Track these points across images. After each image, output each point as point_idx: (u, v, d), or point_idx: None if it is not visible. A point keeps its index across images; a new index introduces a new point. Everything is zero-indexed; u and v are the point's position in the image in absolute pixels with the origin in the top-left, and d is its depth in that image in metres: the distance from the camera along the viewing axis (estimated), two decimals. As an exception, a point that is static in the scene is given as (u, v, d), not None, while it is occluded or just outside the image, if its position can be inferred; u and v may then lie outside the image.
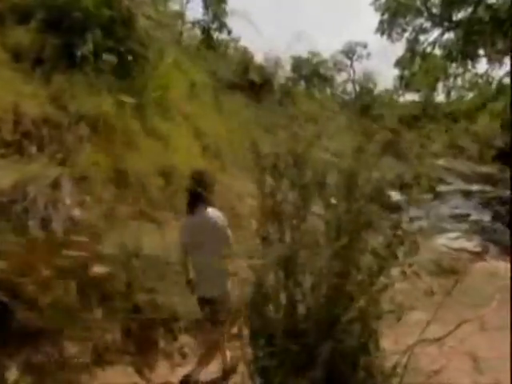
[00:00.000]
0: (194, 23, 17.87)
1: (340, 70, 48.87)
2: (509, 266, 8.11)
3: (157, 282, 3.14)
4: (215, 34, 18.33)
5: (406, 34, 20.82)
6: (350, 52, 46.36)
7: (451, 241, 10.22)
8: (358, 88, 48.06)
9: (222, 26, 18.14)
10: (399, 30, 21.34)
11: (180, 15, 16.46)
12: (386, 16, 21.06)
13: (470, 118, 24.94)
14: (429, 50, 21.60)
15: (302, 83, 47.99)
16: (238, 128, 7.17)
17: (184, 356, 3.25)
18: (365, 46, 45.50)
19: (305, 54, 45.96)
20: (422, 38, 21.04)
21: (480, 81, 22.12)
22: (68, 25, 5.21)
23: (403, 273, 2.07)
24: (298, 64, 46.12)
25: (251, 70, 22.99)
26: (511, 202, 9.95)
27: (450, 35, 21.41)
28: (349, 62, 47.04)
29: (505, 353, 3.42)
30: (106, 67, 5.07)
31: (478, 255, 9.02)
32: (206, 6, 17.61)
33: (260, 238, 2.19)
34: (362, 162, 2.22)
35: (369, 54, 46.30)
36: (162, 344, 3.20)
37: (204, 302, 2.96)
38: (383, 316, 2.08)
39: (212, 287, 2.88)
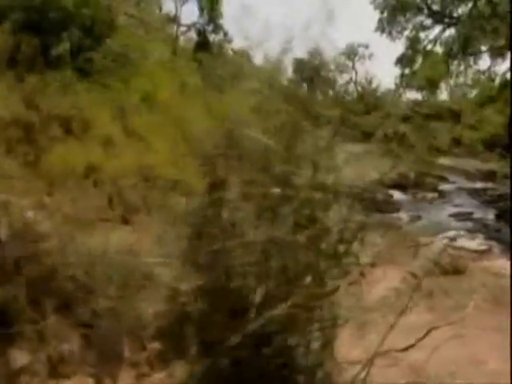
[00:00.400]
0: (189, 26, 17.82)
1: (342, 72, 48.87)
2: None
3: (122, 288, 2.97)
4: (211, 37, 18.29)
5: (406, 32, 20.54)
6: (351, 53, 46.26)
7: (453, 239, 9.94)
8: (360, 89, 47.92)
9: (217, 28, 18.05)
10: (399, 28, 21.08)
11: (174, 17, 16.44)
12: (385, 14, 20.88)
13: (473, 116, 24.58)
14: (430, 47, 21.29)
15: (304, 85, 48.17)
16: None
17: (152, 365, 3.05)
18: (366, 47, 45.39)
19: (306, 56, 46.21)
20: (422, 35, 20.72)
21: (482, 77, 21.76)
22: (45, 25, 5.09)
23: (362, 274, 1.84)
24: (299, 66, 46.19)
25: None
26: (511, 199, 9.64)
27: (450, 32, 21.17)
28: (351, 64, 47.10)
29: (481, 359, 3.20)
30: (84, 66, 4.95)
31: (481, 254, 8.74)
32: (201, 8, 17.55)
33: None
34: (303, 145, 1.99)
35: (371, 55, 46.18)
36: (127, 353, 3.02)
37: None
38: (343, 323, 1.84)
39: None
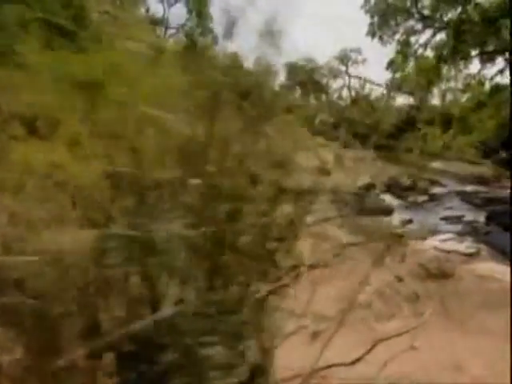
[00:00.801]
0: (178, 28, 17.66)
1: (335, 77, 49.01)
2: (500, 267, 7.67)
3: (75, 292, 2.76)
4: (200, 39, 18.10)
5: (397, 36, 20.58)
6: (344, 58, 46.47)
7: (442, 243, 9.80)
8: (353, 94, 48.12)
9: (206, 31, 17.84)
10: (390, 33, 21.15)
11: (160, 19, 16.26)
12: (375, 19, 20.96)
13: (464, 120, 24.61)
14: (420, 51, 21.35)
15: (297, 89, 48.25)
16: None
17: (111, 376, 2.83)
18: (359, 52, 45.62)
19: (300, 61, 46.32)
20: (413, 39, 20.77)
21: (473, 81, 21.83)
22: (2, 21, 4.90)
23: (296, 276, 1.65)
24: (292, 71, 46.28)
25: (241, 76, 22.84)
26: (511, 202, 9.49)
27: (441, 36, 21.23)
28: (344, 68, 47.28)
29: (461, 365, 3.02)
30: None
31: (469, 257, 8.60)
32: (190, 11, 17.38)
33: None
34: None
35: (364, 60, 46.43)
36: (80, 363, 2.81)
37: None
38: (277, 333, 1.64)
39: None
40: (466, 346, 5.08)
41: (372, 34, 21.11)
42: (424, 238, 10.78)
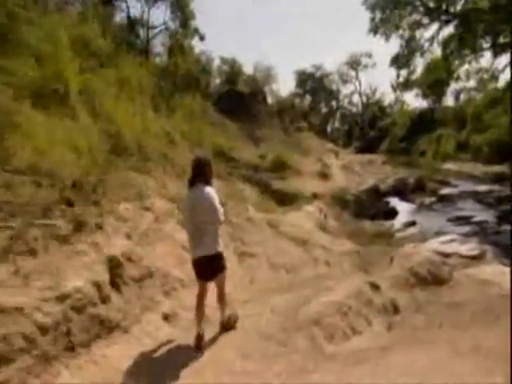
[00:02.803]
0: (161, 29, 17.00)
1: (346, 82, 48.04)
2: (506, 270, 6.38)
3: None
4: (185, 41, 17.40)
5: (401, 31, 19.49)
6: (354, 63, 45.49)
7: (444, 245, 8.55)
8: (365, 99, 46.93)
9: (188, 31, 17.07)
10: (393, 28, 20.06)
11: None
12: (377, 14, 19.95)
13: (479, 119, 23.19)
14: (426, 46, 20.15)
15: (308, 97, 47.47)
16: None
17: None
18: (369, 56, 44.58)
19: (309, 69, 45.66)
20: (417, 34, 19.62)
21: (485, 76, 20.41)
22: None
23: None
24: (302, 78, 45.62)
25: (240, 81, 22.21)
26: (511, 200, 8.33)
27: (449, 29, 20.01)
28: (354, 74, 46.24)
29: None
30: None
31: (472, 259, 7.34)
32: (173, 11, 16.75)
33: None
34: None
35: (374, 64, 45.31)
36: None
37: (204, 259, 3.44)
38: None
39: (210, 247, 3.44)
40: (454, 370, 3.84)
41: (374, 30, 20.08)
42: (424, 241, 9.54)
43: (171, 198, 5.80)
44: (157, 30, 17.16)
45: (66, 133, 4.91)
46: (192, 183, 3.47)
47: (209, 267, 3.44)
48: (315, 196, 14.49)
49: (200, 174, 3.47)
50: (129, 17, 16.45)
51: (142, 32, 16.80)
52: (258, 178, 15.50)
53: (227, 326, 3.67)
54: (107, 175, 4.95)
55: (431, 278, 6.05)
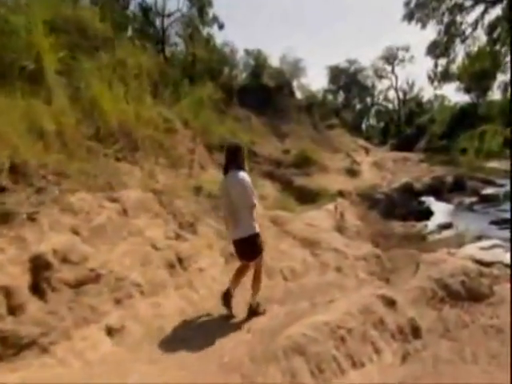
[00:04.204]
0: (177, 16, 16.30)
1: (381, 77, 45.87)
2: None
3: None
4: (205, 29, 16.81)
5: (439, 16, 17.87)
6: (390, 57, 43.29)
7: (484, 251, 7.28)
8: (401, 95, 44.60)
9: (206, 19, 16.38)
10: (431, 13, 18.44)
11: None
12: (413, -1, 18.45)
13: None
14: (469, 31, 18.37)
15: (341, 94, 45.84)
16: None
17: None
18: (407, 50, 42.23)
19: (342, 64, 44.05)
20: (458, 18, 17.91)
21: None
22: None
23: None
24: (335, 74, 44.07)
25: (265, 74, 21.40)
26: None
27: (496, 11, 18.08)
28: (390, 68, 44.02)
29: None
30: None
31: (518, 270, 6.09)
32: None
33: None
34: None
35: (412, 57, 42.84)
36: None
37: (239, 242, 3.60)
38: None
39: (244, 229, 3.56)
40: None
41: (409, 16, 18.60)
42: (461, 246, 8.22)
43: (155, 189, 5.09)
44: (172, 19, 16.69)
45: (32, 115, 4.35)
46: (226, 169, 3.65)
47: (246, 248, 3.58)
48: (341, 194, 13.49)
49: (233, 160, 3.62)
50: (141, 4, 16.14)
51: (157, 21, 16.43)
52: (281, 174, 14.77)
53: (256, 310, 3.66)
54: (76, 162, 4.32)
55: (465, 293, 4.82)
